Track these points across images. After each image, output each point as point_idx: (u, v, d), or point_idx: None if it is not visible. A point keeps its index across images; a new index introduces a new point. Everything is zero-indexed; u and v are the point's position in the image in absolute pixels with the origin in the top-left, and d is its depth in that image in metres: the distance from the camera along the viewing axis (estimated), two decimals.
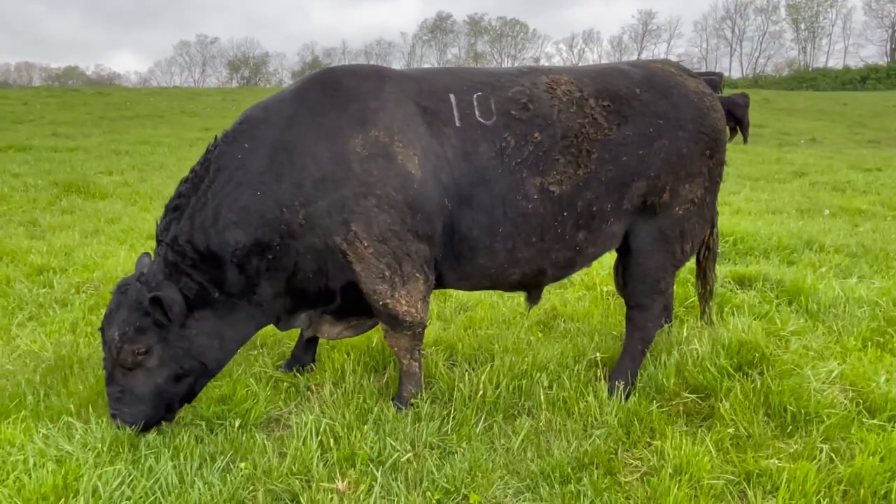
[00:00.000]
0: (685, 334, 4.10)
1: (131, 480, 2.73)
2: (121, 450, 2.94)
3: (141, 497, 2.66)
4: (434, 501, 2.70)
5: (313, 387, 3.69)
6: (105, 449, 2.92)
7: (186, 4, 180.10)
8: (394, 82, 3.18)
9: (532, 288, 3.63)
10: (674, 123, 3.34)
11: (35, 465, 2.79)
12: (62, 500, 2.60)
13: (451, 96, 3.17)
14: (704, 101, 3.47)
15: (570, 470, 2.92)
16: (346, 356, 3.95)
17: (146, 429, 3.09)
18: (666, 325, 4.23)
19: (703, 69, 69.29)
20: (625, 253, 3.58)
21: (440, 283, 3.41)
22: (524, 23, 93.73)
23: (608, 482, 2.86)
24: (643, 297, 3.55)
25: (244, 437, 3.11)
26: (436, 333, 4.35)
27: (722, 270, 5.65)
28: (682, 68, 3.67)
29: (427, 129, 3.10)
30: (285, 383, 3.73)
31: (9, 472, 2.76)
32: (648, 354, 3.87)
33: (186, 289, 3.06)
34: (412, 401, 3.42)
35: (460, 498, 2.76)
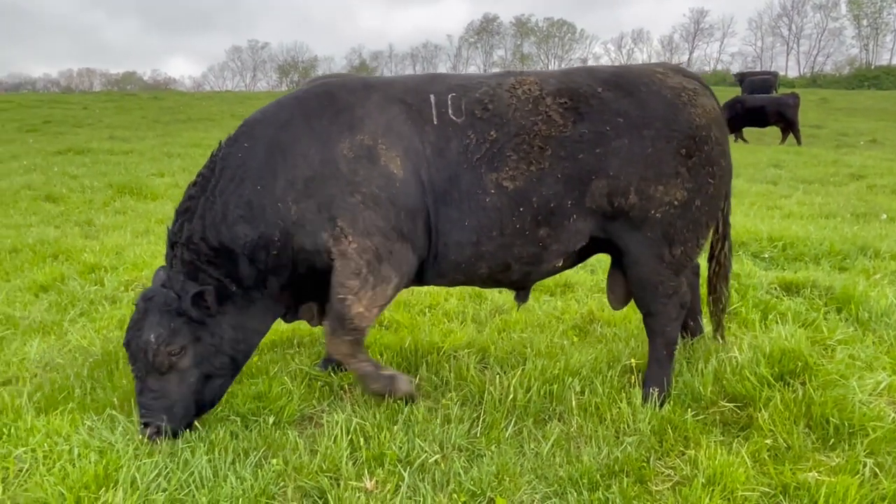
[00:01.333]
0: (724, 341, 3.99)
1: (167, 473, 2.82)
2: (159, 442, 3.04)
3: (176, 489, 2.74)
4: (459, 503, 2.71)
5: (346, 386, 3.74)
6: (144, 441, 3.03)
7: (239, 10, 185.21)
8: (379, 91, 3.38)
9: (505, 284, 3.66)
10: (637, 122, 3.27)
11: (79, 455, 2.91)
12: (102, 488, 2.71)
13: (431, 96, 3.36)
14: (681, 98, 3.33)
15: (599, 477, 2.88)
16: (379, 357, 4.00)
17: (178, 432, 3.11)
18: (701, 332, 4.12)
19: (758, 68, 67.30)
20: (619, 264, 3.59)
21: (420, 280, 3.55)
22: (571, 23, 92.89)
23: (638, 490, 2.81)
24: (650, 303, 3.52)
25: (277, 434, 3.18)
26: (469, 336, 4.36)
27: (768, 276, 5.48)
28: (676, 68, 3.56)
29: (411, 126, 3.30)
30: (319, 382, 3.79)
31: (55, 460, 2.89)
32: (685, 362, 3.78)
33: (206, 284, 3.16)
34: (415, 396, 3.48)
35: (486, 501, 2.75)
